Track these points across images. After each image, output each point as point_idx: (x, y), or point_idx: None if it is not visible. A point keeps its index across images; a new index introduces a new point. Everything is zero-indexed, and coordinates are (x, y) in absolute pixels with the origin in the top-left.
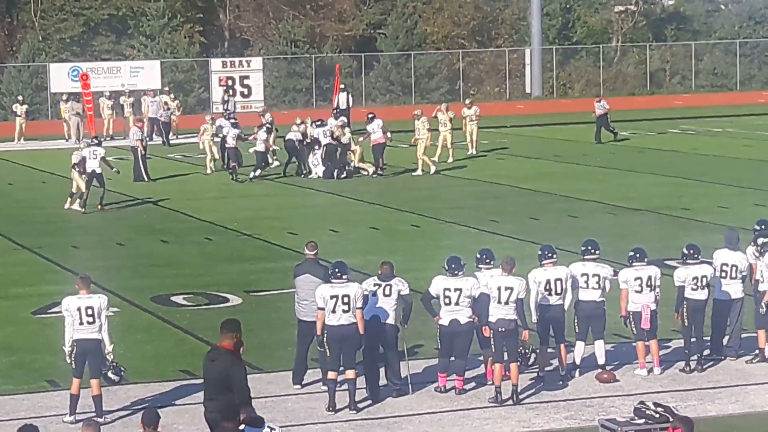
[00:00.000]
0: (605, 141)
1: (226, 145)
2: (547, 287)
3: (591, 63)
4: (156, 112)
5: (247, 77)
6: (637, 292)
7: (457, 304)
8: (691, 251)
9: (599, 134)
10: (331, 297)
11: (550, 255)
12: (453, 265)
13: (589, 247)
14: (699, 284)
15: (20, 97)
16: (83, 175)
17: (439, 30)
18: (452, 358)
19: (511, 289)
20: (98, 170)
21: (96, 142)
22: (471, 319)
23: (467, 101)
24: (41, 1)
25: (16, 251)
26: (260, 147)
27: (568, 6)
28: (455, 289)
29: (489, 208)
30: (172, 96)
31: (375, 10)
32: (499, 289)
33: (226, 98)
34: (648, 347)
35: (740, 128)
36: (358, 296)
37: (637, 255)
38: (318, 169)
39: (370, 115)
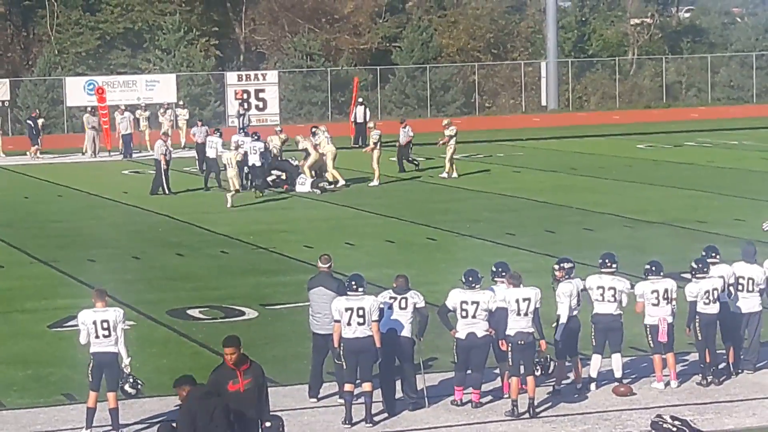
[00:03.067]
0: (409, 170)
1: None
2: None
3: (607, 76)
4: (126, 129)
5: (263, 90)
6: (653, 305)
7: (474, 317)
8: (700, 265)
9: (401, 163)
10: (346, 309)
11: (559, 266)
12: (470, 278)
13: (607, 260)
14: (711, 298)
15: (36, 111)
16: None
17: (455, 43)
18: (469, 372)
19: (529, 299)
20: (258, 163)
21: (256, 138)
22: (488, 333)
23: (444, 122)
24: (57, 15)
25: (31, 264)
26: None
27: (583, 19)
28: (472, 302)
29: (505, 221)
30: (162, 111)
31: (390, 24)
32: (517, 301)
33: (241, 111)
34: (665, 360)
35: (756, 141)
36: (373, 309)
37: (653, 268)
38: (305, 185)
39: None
